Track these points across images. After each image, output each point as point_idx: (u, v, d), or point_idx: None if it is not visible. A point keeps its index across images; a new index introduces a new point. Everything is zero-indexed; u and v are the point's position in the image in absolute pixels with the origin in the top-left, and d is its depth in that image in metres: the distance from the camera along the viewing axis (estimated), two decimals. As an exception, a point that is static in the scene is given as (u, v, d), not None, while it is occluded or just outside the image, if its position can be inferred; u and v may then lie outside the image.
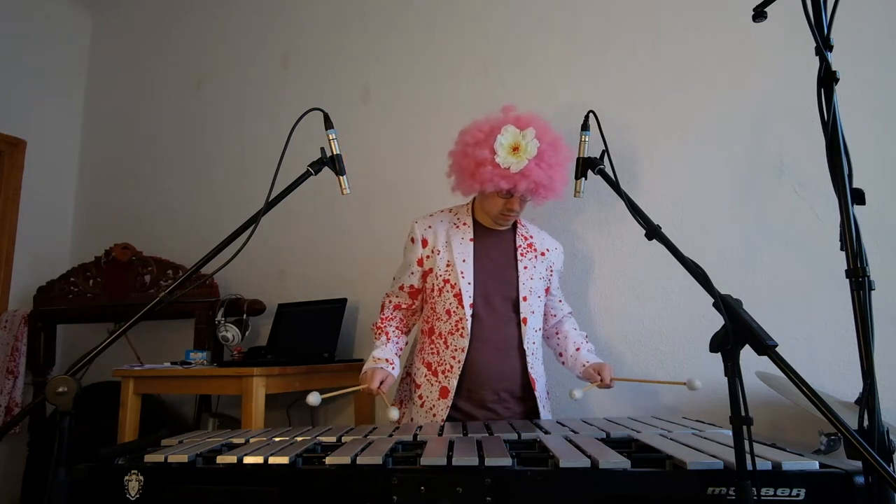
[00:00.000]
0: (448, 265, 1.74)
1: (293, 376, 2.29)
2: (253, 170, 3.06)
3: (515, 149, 1.59)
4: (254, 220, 1.29)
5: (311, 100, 2.78)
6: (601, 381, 1.67)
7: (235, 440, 1.35)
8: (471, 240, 1.76)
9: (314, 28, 3.00)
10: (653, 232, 1.22)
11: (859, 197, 0.98)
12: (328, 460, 1.08)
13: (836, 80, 1.01)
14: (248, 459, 1.11)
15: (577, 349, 1.83)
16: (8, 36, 3.43)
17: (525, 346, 1.73)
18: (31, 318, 3.20)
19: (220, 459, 1.14)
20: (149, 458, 1.17)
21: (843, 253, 0.97)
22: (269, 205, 1.33)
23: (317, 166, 1.43)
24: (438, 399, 1.71)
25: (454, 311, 1.72)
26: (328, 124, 1.46)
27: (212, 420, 2.76)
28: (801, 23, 1.05)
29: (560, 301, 1.93)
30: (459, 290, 1.71)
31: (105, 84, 3.77)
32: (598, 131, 1.49)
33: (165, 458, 1.15)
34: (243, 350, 2.69)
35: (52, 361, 3.23)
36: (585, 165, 1.53)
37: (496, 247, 1.79)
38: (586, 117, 1.58)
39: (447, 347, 1.72)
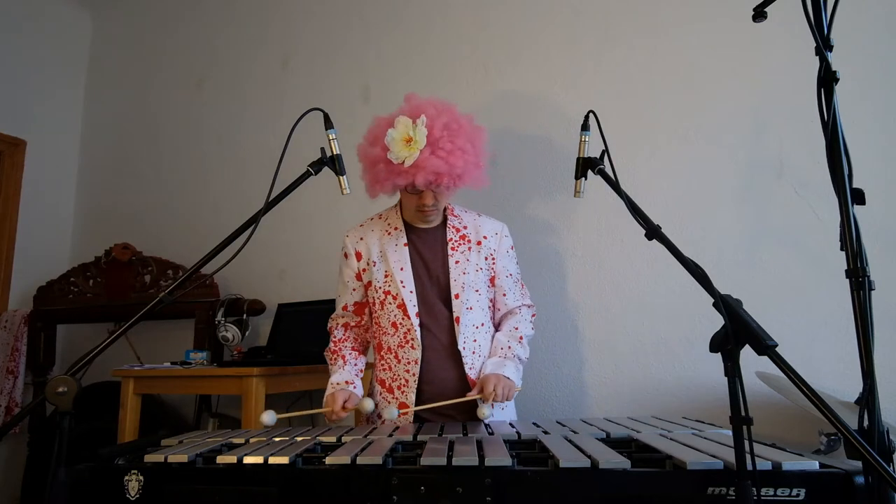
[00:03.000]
0: (387, 276, 1.66)
1: (293, 376, 2.29)
2: (253, 170, 3.06)
3: (408, 141, 1.49)
4: (254, 220, 1.30)
5: (311, 100, 2.77)
6: (483, 395, 1.53)
7: (235, 440, 1.35)
8: (405, 245, 1.68)
9: (314, 28, 3.00)
10: (653, 232, 1.22)
11: (859, 197, 0.98)
12: (328, 460, 1.08)
13: (836, 80, 1.01)
14: (248, 459, 1.11)
15: (491, 356, 1.65)
16: (8, 36, 3.43)
17: (460, 347, 1.62)
18: (31, 318, 3.20)
19: (220, 459, 1.14)
20: (149, 458, 1.17)
21: (843, 253, 0.98)
22: (269, 205, 1.33)
23: (317, 166, 1.43)
24: (399, 417, 1.61)
25: (400, 323, 1.63)
26: (328, 124, 1.46)
27: (212, 420, 2.76)
28: (801, 23, 1.05)
29: (504, 294, 1.72)
30: (403, 300, 1.62)
31: (105, 84, 3.76)
32: (598, 131, 1.49)
33: (165, 458, 1.15)
34: (243, 350, 2.69)
35: (52, 361, 3.23)
36: (585, 165, 1.52)
37: (428, 246, 1.69)
38: (586, 117, 1.57)
39: (399, 361, 1.63)
